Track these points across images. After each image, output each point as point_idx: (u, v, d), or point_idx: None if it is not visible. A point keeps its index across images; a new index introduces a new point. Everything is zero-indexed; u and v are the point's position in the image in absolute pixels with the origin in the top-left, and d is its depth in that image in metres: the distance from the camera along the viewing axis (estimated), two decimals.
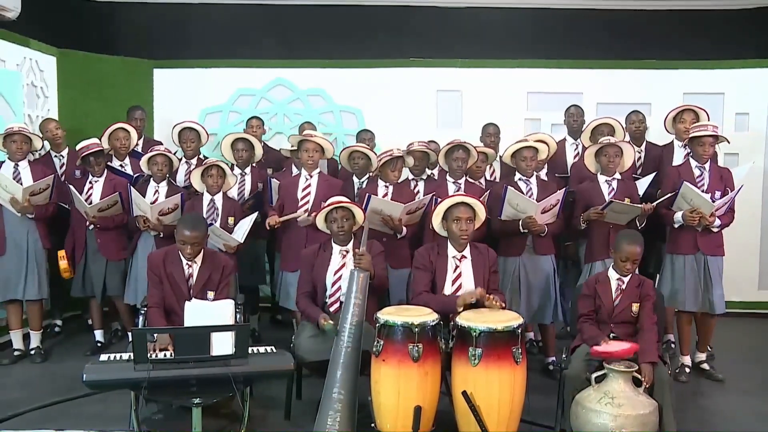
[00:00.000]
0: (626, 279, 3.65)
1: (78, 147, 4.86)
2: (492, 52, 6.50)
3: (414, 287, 3.76)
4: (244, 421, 3.27)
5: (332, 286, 3.85)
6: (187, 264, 3.68)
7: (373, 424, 3.34)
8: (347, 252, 3.89)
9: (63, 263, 4.78)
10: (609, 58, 6.48)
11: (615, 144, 4.54)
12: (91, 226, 4.76)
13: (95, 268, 4.84)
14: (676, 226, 4.42)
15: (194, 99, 6.51)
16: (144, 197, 4.67)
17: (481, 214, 3.79)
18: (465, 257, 3.74)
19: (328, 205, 3.89)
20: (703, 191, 4.36)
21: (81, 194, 4.72)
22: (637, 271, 3.74)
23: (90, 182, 4.84)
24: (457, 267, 3.72)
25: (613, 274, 3.69)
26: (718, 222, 4.34)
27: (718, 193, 4.39)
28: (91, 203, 4.71)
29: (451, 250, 3.76)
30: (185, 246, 3.61)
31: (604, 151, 4.52)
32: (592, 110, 6.04)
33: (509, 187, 4.28)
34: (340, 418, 3.24)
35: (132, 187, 4.64)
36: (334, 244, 3.92)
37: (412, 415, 3.17)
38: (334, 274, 3.86)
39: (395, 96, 6.44)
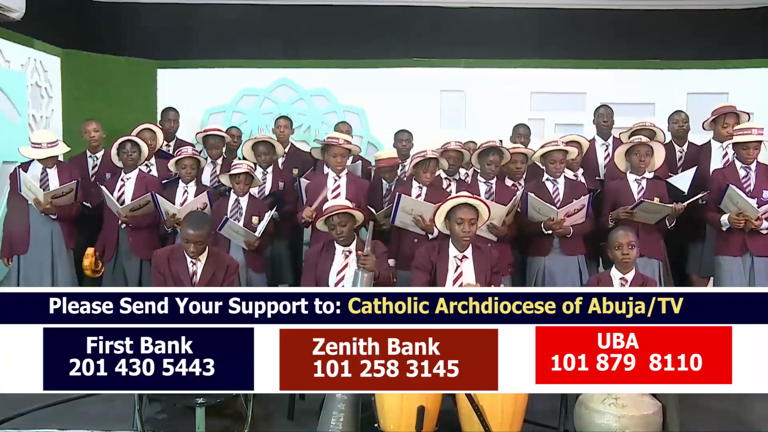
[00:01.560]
0: (629, 278, 3.63)
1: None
2: (495, 52, 6.49)
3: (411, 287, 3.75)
4: (247, 421, 3.27)
5: (335, 287, 3.85)
6: (191, 262, 3.69)
7: (376, 424, 3.34)
8: (350, 252, 3.89)
9: (87, 261, 4.74)
10: (612, 57, 6.47)
11: (646, 143, 4.48)
12: (123, 225, 4.75)
13: (129, 266, 4.81)
14: (723, 229, 4.34)
15: (198, 99, 6.51)
16: (174, 198, 4.68)
17: (485, 215, 3.78)
18: (466, 257, 3.74)
19: (325, 213, 3.90)
20: (749, 192, 4.26)
21: (113, 192, 4.72)
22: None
23: (122, 179, 4.82)
24: (458, 267, 3.72)
25: (615, 274, 3.67)
26: (766, 224, 4.24)
27: (766, 193, 4.30)
28: (123, 202, 4.72)
29: (453, 250, 3.75)
30: (189, 244, 3.62)
31: (635, 150, 4.44)
32: None
33: (529, 193, 4.28)
34: (344, 418, 3.25)
35: (157, 194, 4.59)
36: (336, 245, 3.93)
37: (416, 415, 3.16)
38: (337, 275, 3.86)
39: (399, 96, 6.42)
